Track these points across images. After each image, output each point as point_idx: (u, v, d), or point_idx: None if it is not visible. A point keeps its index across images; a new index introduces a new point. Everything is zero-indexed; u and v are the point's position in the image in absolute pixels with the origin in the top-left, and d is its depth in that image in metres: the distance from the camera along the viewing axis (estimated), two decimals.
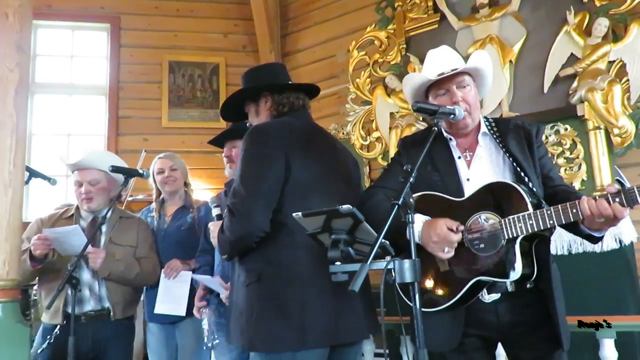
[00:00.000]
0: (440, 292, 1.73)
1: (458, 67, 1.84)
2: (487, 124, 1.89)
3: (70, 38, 5.72)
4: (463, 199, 1.76)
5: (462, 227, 1.69)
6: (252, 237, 1.82)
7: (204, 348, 2.40)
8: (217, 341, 2.35)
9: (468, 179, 1.81)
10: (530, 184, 1.72)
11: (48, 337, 2.43)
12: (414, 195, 1.76)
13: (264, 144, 1.87)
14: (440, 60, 1.88)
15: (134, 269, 2.65)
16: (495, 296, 1.70)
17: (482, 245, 1.68)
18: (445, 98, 1.83)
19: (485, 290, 1.69)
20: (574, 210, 1.56)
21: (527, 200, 1.62)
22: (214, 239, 2.03)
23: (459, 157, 1.85)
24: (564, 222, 1.57)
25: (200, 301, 2.46)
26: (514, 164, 1.76)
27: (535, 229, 1.59)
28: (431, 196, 1.81)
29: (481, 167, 1.82)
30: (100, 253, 2.54)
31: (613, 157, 3.55)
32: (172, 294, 2.75)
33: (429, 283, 1.76)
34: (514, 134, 1.83)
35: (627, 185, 1.53)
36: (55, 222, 2.67)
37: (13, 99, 2.15)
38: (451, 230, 1.67)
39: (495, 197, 1.68)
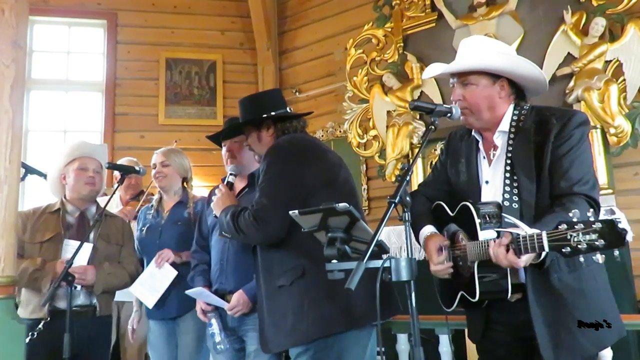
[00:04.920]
0: (447, 295, 1.81)
1: (464, 66, 1.79)
2: (515, 118, 1.77)
3: (67, 34, 5.70)
4: (453, 214, 1.78)
5: (447, 243, 1.75)
6: (268, 242, 2.04)
7: (216, 352, 2.37)
8: (228, 346, 2.34)
9: (487, 182, 1.78)
10: (514, 198, 1.65)
11: (30, 333, 2.31)
12: (435, 203, 1.85)
13: (287, 158, 2.04)
14: (461, 53, 1.85)
15: (124, 277, 2.66)
16: (518, 296, 1.68)
17: (460, 263, 1.73)
18: (453, 93, 1.85)
19: (510, 290, 1.65)
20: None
21: (478, 227, 1.61)
22: (216, 202, 2.21)
23: (484, 157, 1.82)
24: (487, 259, 1.55)
25: (206, 304, 2.44)
26: (507, 174, 1.71)
27: (484, 258, 1.57)
28: (439, 206, 1.86)
29: (496, 170, 1.77)
30: (87, 270, 2.49)
31: (609, 156, 3.57)
32: (152, 283, 2.73)
33: (444, 285, 1.84)
34: (529, 133, 1.71)
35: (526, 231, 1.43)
36: (40, 216, 2.62)
37: (9, 95, 2.15)
38: (440, 250, 1.73)
39: (467, 217, 1.67)
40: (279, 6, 5.83)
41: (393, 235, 3.47)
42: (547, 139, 1.65)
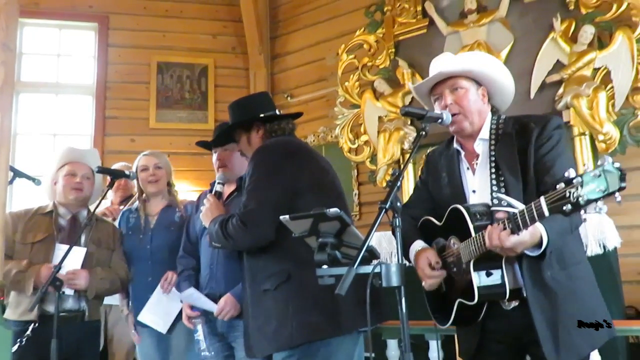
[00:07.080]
0: (441, 311, 1.81)
1: (446, 71, 1.81)
2: (494, 126, 1.82)
3: (58, 37, 5.66)
4: (441, 223, 1.79)
5: (439, 264, 1.74)
6: (258, 245, 2.00)
7: (201, 356, 2.35)
8: (213, 353, 2.32)
9: (474, 191, 1.78)
10: (502, 201, 1.61)
11: (19, 340, 2.30)
12: (424, 218, 1.86)
13: (273, 160, 2.03)
14: (436, 68, 1.87)
15: (116, 283, 2.65)
16: (515, 303, 1.69)
17: (454, 269, 1.72)
18: (439, 103, 1.83)
19: (507, 286, 1.64)
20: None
21: (470, 224, 1.61)
22: (205, 213, 2.19)
23: (467, 168, 1.83)
24: (486, 250, 1.54)
25: (191, 310, 2.42)
26: (493, 175, 1.73)
27: (478, 254, 1.58)
28: (427, 221, 1.86)
29: (482, 176, 1.78)
30: (80, 274, 2.48)
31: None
32: (162, 309, 2.68)
33: (436, 301, 1.83)
34: (511, 138, 1.75)
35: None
36: (32, 217, 2.60)
37: None
38: (430, 264, 1.72)
39: (457, 221, 1.68)
40: (271, 11, 5.83)
41: (384, 240, 3.47)
42: (529, 141, 1.70)
